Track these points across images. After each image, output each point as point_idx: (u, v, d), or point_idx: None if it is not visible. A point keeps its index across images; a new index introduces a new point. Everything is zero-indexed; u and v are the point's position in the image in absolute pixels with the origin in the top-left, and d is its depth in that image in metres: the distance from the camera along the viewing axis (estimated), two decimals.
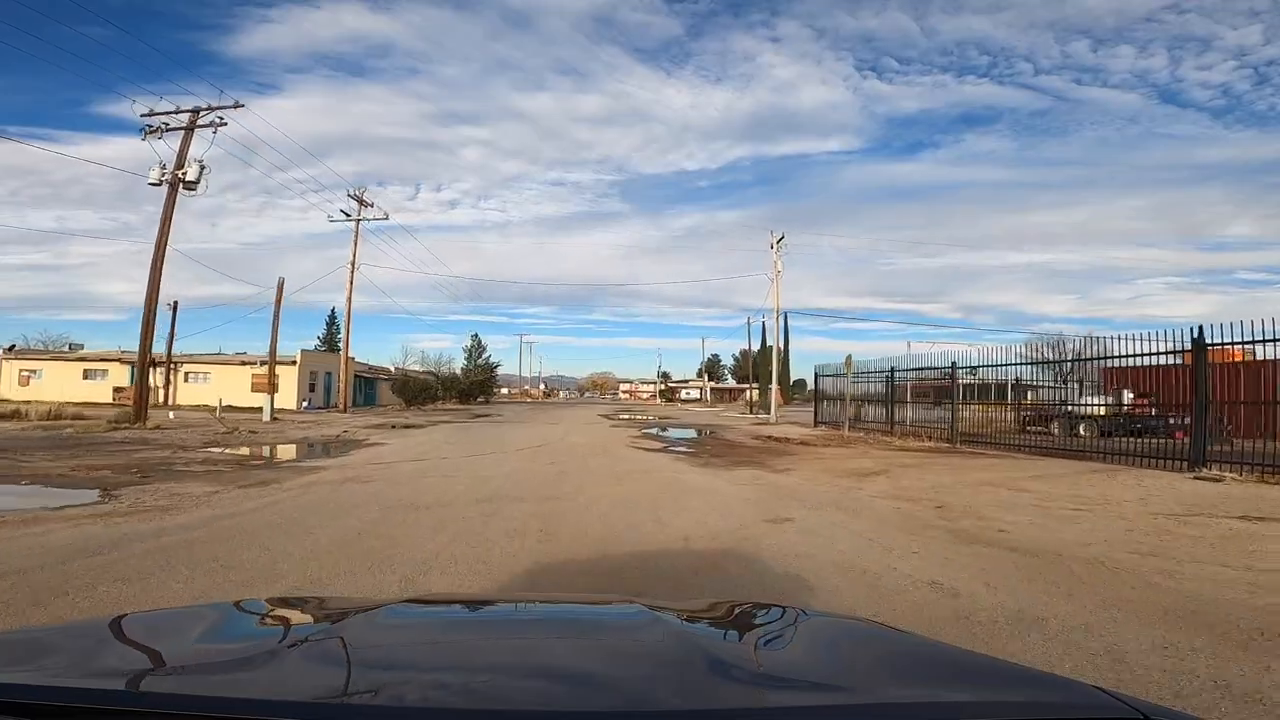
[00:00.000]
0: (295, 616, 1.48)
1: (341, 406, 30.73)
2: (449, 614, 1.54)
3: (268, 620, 1.44)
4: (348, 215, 31.86)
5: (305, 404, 32.63)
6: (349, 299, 31.44)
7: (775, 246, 30.13)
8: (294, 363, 33.26)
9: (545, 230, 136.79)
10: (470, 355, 71.99)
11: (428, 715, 0.78)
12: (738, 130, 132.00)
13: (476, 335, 71.76)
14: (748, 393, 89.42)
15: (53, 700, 0.75)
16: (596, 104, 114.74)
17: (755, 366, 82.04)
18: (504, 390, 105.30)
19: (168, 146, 18.85)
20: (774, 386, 29.53)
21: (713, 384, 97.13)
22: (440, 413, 34.10)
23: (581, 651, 1.13)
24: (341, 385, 31.08)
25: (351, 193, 31.77)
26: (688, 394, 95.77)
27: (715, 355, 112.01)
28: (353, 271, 31.52)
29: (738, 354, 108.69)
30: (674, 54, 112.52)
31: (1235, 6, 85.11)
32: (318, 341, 71.55)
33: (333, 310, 71.34)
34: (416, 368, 54.23)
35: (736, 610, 1.54)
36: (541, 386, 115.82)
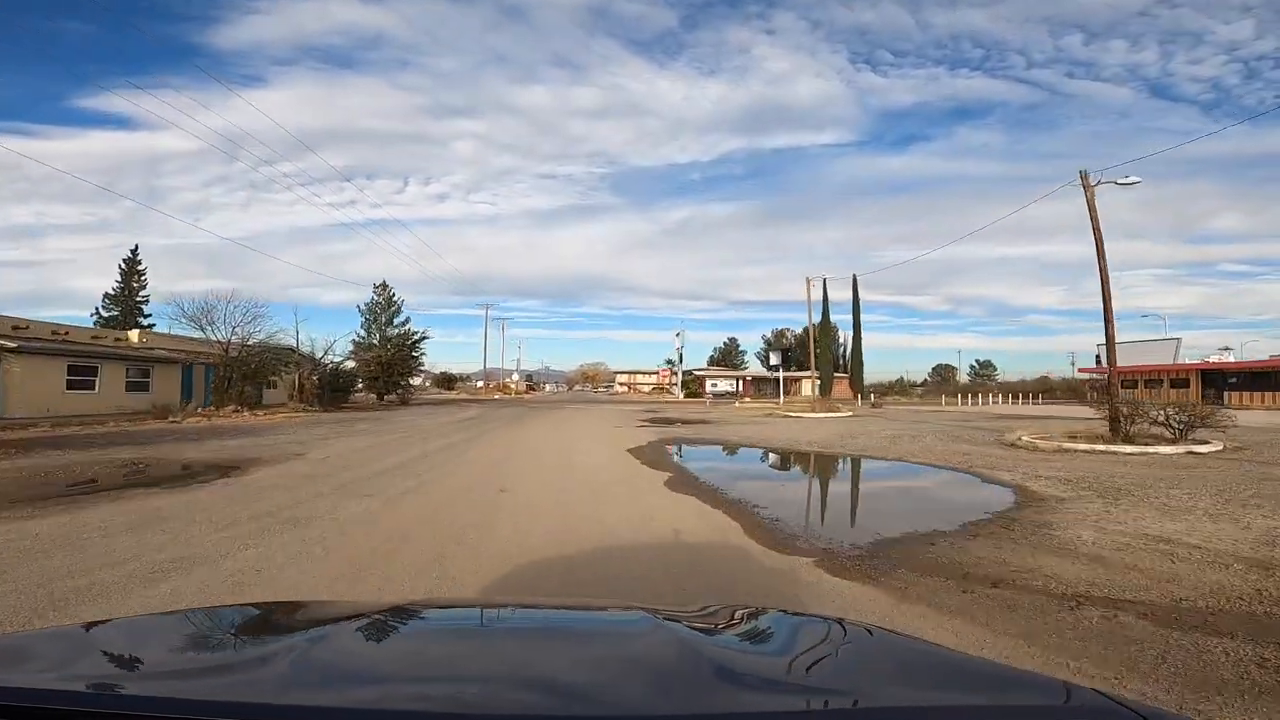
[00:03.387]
0: (289, 621, 1.41)
1: None
2: (449, 618, 1.51)
3: (260, 624, 1.37)
4: None
5: None
6: None
7: None
8: None
9: (535, 223, 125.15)
10: (373, 319, 42.42)
11: None
12: (731, 123, 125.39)
13: (385, 284, 41.92)
14: (802, 384, 64.67)
15: (48, 704, 0.73)
16: (591, 97, 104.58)
17: (805, 350, 55.65)
18: (479, 384, 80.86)
19: None
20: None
21: (737, 373, 72.04)
22: None
23: (584, 657, 1.09)
24: None
25: None
26: (714, 385, 68.49)
27: (733, 338, 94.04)
28: None
29: (769, 336, 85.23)
30: (668, 46, 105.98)
31: (1228, 1, 79.50)
32: (102, 304, 42.66)
33: (136, 245, 41.26)
34: (180, 333, 26.31)
35: (740, 615, 1.43)
36: (516, 378, 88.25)
